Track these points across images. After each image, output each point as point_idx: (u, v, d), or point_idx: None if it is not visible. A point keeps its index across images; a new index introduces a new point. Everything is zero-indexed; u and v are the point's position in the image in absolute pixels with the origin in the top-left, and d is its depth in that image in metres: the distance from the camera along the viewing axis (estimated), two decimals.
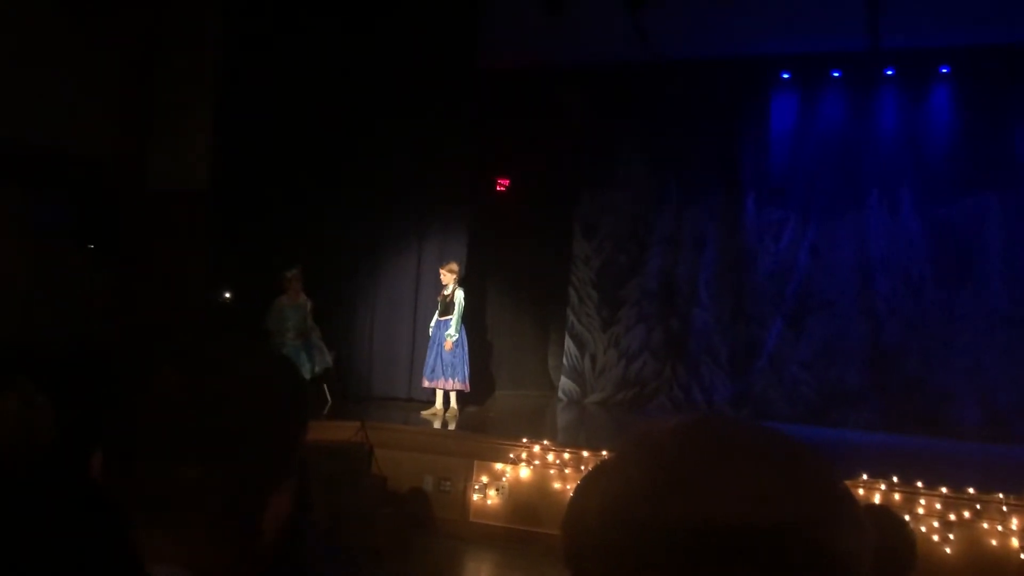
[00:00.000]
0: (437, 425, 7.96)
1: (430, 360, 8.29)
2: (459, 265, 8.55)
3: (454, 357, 8.20)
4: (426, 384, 8.35)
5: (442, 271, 8.44)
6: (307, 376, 8.42)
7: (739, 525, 0.69)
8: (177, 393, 0.93)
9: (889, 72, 9.41)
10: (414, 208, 9.31)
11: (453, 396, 8.29)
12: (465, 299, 8.34)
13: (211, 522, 0.93)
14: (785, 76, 9.82)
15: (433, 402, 8.35)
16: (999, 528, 5.77)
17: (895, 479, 6.18)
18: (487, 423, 8.51)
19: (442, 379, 8.20)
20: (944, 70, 9.24)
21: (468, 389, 8.36)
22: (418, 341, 9.42)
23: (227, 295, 8.71)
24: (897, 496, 6.06)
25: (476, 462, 7.06)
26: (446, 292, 8.34)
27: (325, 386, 8.46)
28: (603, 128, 10.37)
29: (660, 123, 10.09)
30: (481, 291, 10.25)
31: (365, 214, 9.16)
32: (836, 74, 9.62)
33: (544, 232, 10.55)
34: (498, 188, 10.72)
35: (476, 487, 6.96)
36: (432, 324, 8.44)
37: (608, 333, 10.41)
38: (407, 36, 8.90)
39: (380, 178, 9.12)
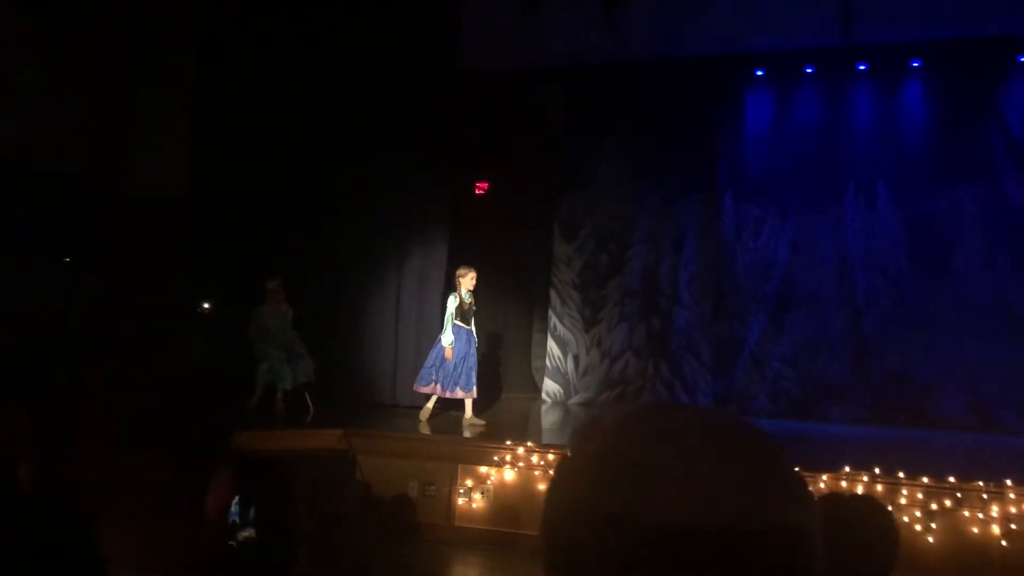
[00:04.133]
0: (425, 431, 7.93)
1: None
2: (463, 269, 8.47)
3: (469, 365, 8.20)
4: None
5: (471, 276, 8.36)
6: (288, 386, 8.40)
7: (690, 512, 0.69)
8: (104, 390, 0.92)
9: (862, 67, 9.47)
10: (394, 213, 9.30)
11: (468, 404, 8.26)
12: (452, 305, 8.29)
13: (153, 513, 0.93)
14: (759, 73, 9.87)
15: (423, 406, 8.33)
16: (980, 515, 5.81)
17: (877, 470, 6.21)
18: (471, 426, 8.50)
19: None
20: (916, 64, 9.31)
21: (469, 396, 8.29)
22: (401, 347, 9.41)
23: (206, 305, 8.66)
24: (880, 487, 6.09)
25: (460, 466, 7.05)
26: (468, 300, 8.30)
27: (307, 395, 8.43)
28: (582, 128, 10.39)
29: (638, 123, 10.12)
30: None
31: (345, 220, 9.14)
32: (809, 70, 9.68)
33: (524, 234, 10.55)
34: (477, 191, 10.71)
35: (461, 491, 6.95)
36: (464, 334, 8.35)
37: (591, 334, 10.42)
38: (384, 39, 8.89)
39: (359, 183, 9.10)
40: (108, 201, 8.40)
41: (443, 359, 8.13)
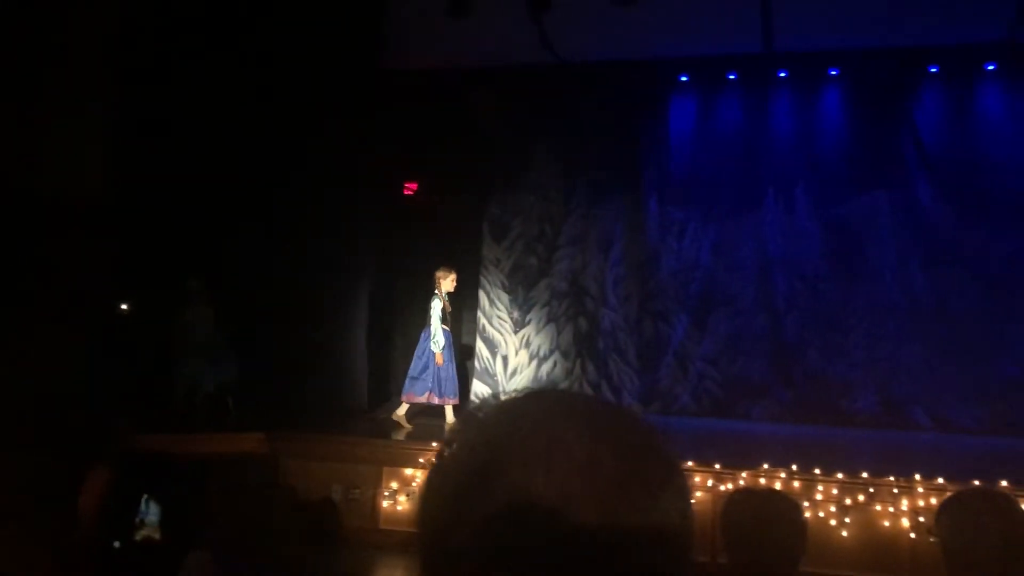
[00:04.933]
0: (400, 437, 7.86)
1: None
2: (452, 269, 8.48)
3: (440, 370, 8.19)
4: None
5: (451, 278, 8.29)
6: (210, 389, 8.22)
7: (564, 503, 0.70)
8: None
9: (782, 74, 9.71)
10: (320, 213, 9.17)
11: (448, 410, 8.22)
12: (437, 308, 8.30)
13: (26, 510, 0.90)
14: (684, 79, 10.04)
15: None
16: (891, 510, 6.01)
17: (794, 467, 6.37)
18: (397, 428, 8.44)
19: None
20: (833, 72, 9.59)
21: (444, 402, 8.24)
22: (329, 349, 9.30)
23: (124, 307, 8.42)
24: (796, 483, 6.25)
25: (385, 468, 7.00)
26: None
27: (229, 398, 8.26)
28: (511, 130, 10.42)
29: (566, 125, 10.20)
30: (389, 296, 10.18)
31: (270, 220, 8.98)
32: (732, 77, 9.88)
33: (453, 235, 10.52)
34: (406, 191, 10.65)
35: (386, 494, 6.90)
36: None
37: (519, 335, 10.46)
38: (308, 38, 8.77)
39: (284, 184, 8.95)
40: (17, 200, 8.10)
41: (432, 365, 8.07)
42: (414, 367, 8.32)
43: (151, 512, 2.17)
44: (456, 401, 8.19)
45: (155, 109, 8.32)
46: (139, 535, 2.08)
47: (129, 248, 8.19)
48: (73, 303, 7.74)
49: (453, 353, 8.33)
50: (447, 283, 8.28)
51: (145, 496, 2.15)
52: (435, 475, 0.79)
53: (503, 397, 0.81)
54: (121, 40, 8.11)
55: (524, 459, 0.72)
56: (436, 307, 8.15)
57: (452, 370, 8.21)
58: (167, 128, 8.36)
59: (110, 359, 7.03)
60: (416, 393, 8.18)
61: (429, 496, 0.78)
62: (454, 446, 0.78)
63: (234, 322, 8.50)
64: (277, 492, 6.88)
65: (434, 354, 8.07)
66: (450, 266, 8.39)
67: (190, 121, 8.46)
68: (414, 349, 8.63)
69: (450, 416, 8.17)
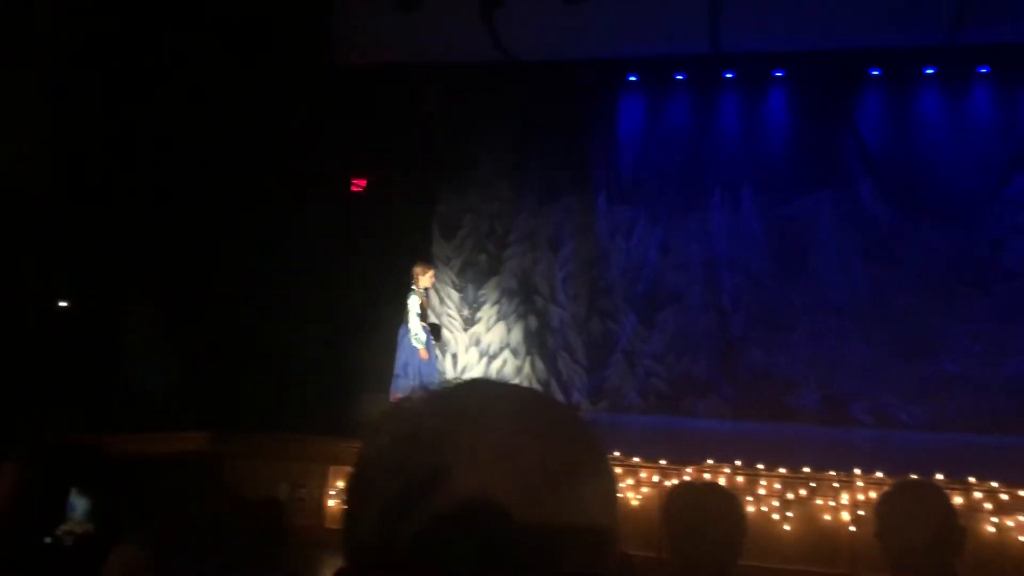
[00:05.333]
0: None
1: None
2: (430, 267, 8.52)
3: (419, 364, 8.19)
4: None
5: (430, 274, 8.23)
6: (153, 387, 8.06)
7: (486, 490, 0.69)
8: None
9: (729, 75, 9.84)
10: (267, 210, 9.06)
11: None
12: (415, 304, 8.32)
13: None
14: (632, 79, 10.11)
15: None
16: (831, 503, 6.13)
17: (738, 463, 6.47)
18: (344, 427, 8.36)
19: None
20: (779, 74, 9.74)
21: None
22: (279, 349, 9.20)
23: (63, 303, 8.22)
24: (740, 478, 6.34)
25: (332, 467, 6.94)
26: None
27: (173, 397, 8.11)
28: (461, 127, 10.39)
29: (516, 123, 10.21)
30: (339, 294, 10.08)
31: (216, 217, 8.85)
32: (680, 77, 9.98)
33: (403, 233, 10.46)
34: (354, 188, 10.56)
35: (332, 492, 6.84)
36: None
37: (469, 333, 10.45)
38: (254, 34, 8.66)
39: (230, 180, 8.82)
40: None
41: (415, 360, 8.04)
42: (397, 364, 8.28)
43: (79, 508, 2.11)
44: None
45: (100, 105, 8.14)
46: (63, 531, 2.02)
47: (71, 245, 8.01)
48: (11, 300, 7.54)
49: (434, 347, 8.31)
50: (425, 279, 8.32)
51: (73, 491, 2.09)
52: (358, 468, 0.78)
53: (426, 393, 0.80)
54: (68, 37, 7.93)
55: (448, 449, 0.71)
56: (413, 303, 8.17)
57: (435, 364, 8.20)
58: (110, 124, 8.18)
59: (50, 357, 6.87)
60: (400, 390, 8.17)
61: (353, 489, 0.77)
62: (378, 438, 0.77)
63: (179, 320, 8.35)
64: (219, 491, 6.80)
65: (416, 349, 8.06)
66: (428, 263, 8.41)
67: (135, 117, 8.29)
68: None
69: None
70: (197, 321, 8.83)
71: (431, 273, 8.33)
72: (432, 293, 10.52)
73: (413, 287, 8.27)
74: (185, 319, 8.54)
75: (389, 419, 0.79)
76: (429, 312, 8.41)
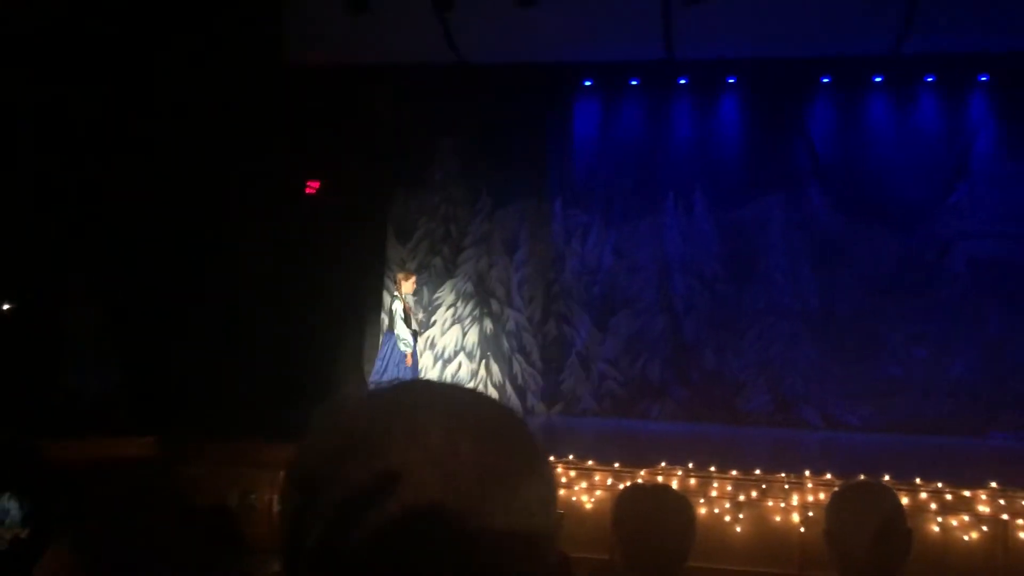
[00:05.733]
0: None
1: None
2: (413, 275, 8.64)
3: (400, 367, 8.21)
4: None
5: (412, 280, 8.27)
6: (95, 391, 7.89)
7: (421, 490, 0.68)
8: None
9: (683, 81, 9.93)
10: (217, 211, 8.92)
11: None
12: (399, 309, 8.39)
13: None
14: (588, 83, 10.16)
15: None
16: (782, 505, 6.20)
17: (691, 465, 6.51)
18: (296, 431, 8.27)
19: None
20: (731, 80, 9.86)
21: None
22: (230, 352, 9.07)
23: (5, 306, 8.01)
24: (693, 481, 6.38)
25: (283, 472, 6.82)
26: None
27: (118, 401, 7.94)
28: (417, 130, 10.34)
29: (471, 125, 10.19)
30: (292, 298, 9.96)
31: (164, 216, 8.68)
32: (635, 82, 10.05)
33: (357, 235, 10.38)
34: (307, 190, 10.44)
35: None
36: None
37: (424, 336, 10.39)
38: (206, 34, 8.52)
39: (179, 180, 8.67)
40: None
41: (400, 367, 8.02)
42: (377, 369, 8.26)
43: (13, 513, 2.05)
44: None
45: (41, 100, 7.94)
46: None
47: (8, 245, 7.80)
48: None
49: (418, 352, 8.34)
50: (407, 285, 8.36)
51: (7, 496, 2.04)
52: (295, 472, 0.76)
53: (363, 393, 0.78)
54: (7, 31, 7.73)
55: (382, 450, 0.70)
56: (398, 309, 8.16)
57: (418, 370, 8.21)
58: (51, 120, 7.99)
59: None
60: None
61: (290, 495, 0.75)
62: (315, 441, 0.76)
63: (124, 322, 8.18)
64: (166, 497, 6.66)
65: (403, 354, 8.05)
66: (410, 270, 8.45)
67: (78, 114, 8.11)
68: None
69: None
70: (143, 323, 8.66)
71: (413, 279, 8.46)
72: (387, 296, 10.45)
73: (396, 294, 8.34)
74: (130, 321, 8.37)
75: (324, 418, 0.77)
76: (412, 318, 8.44)
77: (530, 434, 0.75)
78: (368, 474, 0.69)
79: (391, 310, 8.30)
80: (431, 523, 0.67)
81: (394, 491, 0.68)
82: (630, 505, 2.46)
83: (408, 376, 8.11)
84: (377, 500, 0.68)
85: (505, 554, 0.68)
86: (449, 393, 0.76)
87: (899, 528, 2.28)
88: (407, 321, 8.26)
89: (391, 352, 8.20)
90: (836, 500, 2.41)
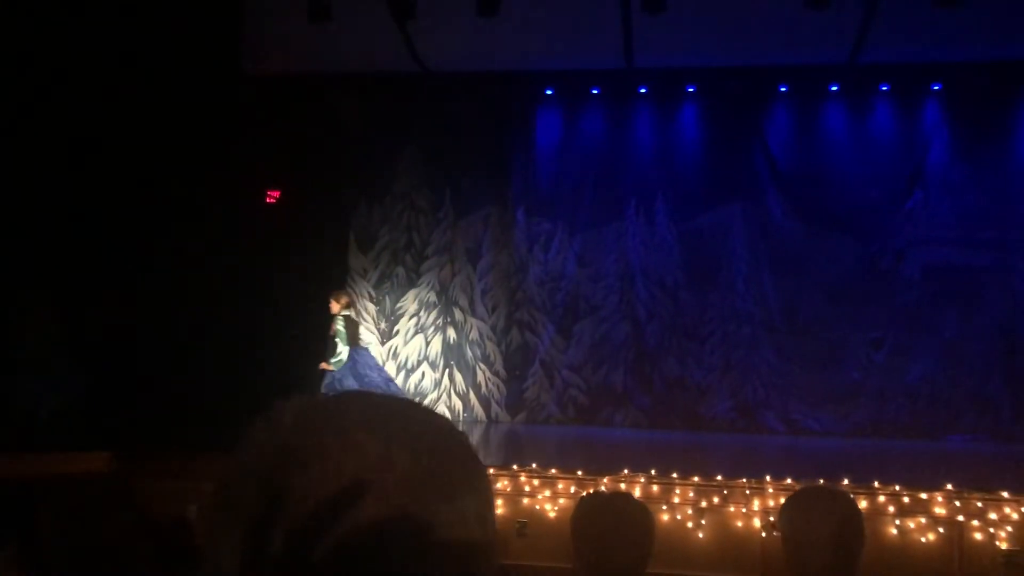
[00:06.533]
0: None
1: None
2: (343, 295, 8.77)
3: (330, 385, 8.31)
4: None
5: (344, 301, 8.60)
6: (52, 405, 7.74)
7: (353, 506, 0.67)
8: None
9: (643, 90, 10.00)
10: (177, 221, 8.81)
11: None
12: (347, 327, 8.49)
13: None
14: (549, 92, 10.19)
15: None
16: (743, 510, 6.24)
17: (654, 472, 6.54)
18: None
19: None
20: (691, 89, 9.95)
21: None
22: (193, 365, 8.97)
23: None
24: (655, 487, 6.40)
25: (213, 485, 6.74)
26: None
27: (74, 415, 7.79)
28: (378, 139, 10.31)
29: (434, 135, 10.19)
30: (251, 308, 9.86)
31: (123, 227, 8.56)
32: (595, 91, 10.11)
33: (318, 245, 10.31)
34: (268, 199, 10.35)
35: None
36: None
37: (386, 346, 10.36)
38: (166, 42, 8.42)
39: (139, 190, 8.55)
40: None
41: (333, 380, 8.18)
42: (323, 383, 8.43)
43: None
44: None
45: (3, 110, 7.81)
46: None
47: None
48: None
49: (356, 369, 8.37)
50: (336, 306, 8.49)
51: None
52: (220, 483, 0.75)
53: (297, 402, 0.77)
54: None
55: (314, 461, 0.69)
56: (339, 325, 8.29)
57: (348, 384, 8.23)
58: (14, 128, 7.84)
59: None
60: None
61: (213, 507, 0.74)
62: (243, 452, 0.74)
63: (82, 334, 8.03)
64: (120, 510, 6.55)
65: (345, 372, 8.23)
66: (340, 292, 8.63)
67: (40, 124, 7.97)
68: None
69: None
70: (101, 335, 8.51)
71: (344, 299, 8.61)
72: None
73: (335, 314, 8.49)
74: (88, 333, 8.23)
75: (256, 433, 0.76)
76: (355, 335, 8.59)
77: (468, 446, 0.75)
78: (300, 486, 0.68)
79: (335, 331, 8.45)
80: (367, 535, 0.66)
81: (327, 503, 0.67)
82: (589, 513, 2.46)
83: (335, 389, 8.16)
84: (306, 516, 0.67)
85: (443, 566, 0.68)
86: (385, 404, 0.76)
87: (853, 529, 2.31)
88: (351, 339, 8.40)
89: (337, 372, 8.35)
90: (791, 504, 2.43)
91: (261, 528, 0.67)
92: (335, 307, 8.59)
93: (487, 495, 0.74)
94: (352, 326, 8.57)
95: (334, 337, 8.49)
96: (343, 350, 8.42)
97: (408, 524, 0.67)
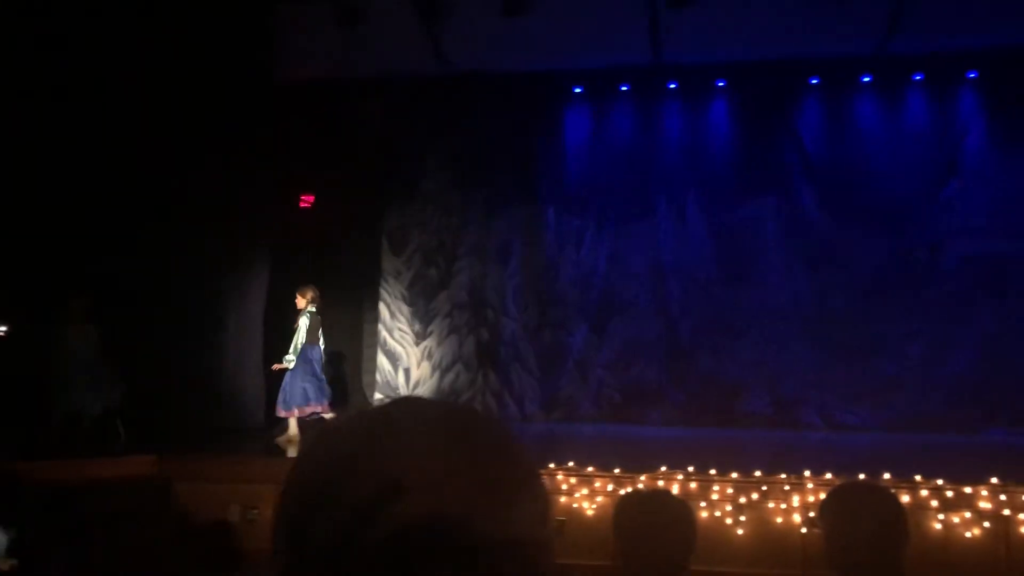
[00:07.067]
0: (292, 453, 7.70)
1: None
2: (309, 290, 8.46)
3: (285, 382, 8.17)
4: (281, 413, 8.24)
5: (309, 296, 8.40)
6: (95, 412, 7.87)
7: (414, 510, 0.69)
8: None
9: (672, 86, 9.97)
10: (215, 230, 8.91)
11: (291, 422, 8.19)
12: (309, 324, 8.30)
13: None
14: (577, 90, 10.19)
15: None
16: (783, 507, 6.20)
17: (691, 469, 6.51)
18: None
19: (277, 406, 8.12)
20: (721, 84, 9.89)
21: (290, 415, 8.16)
22: (228, 368, 9.08)
23: (2, 328, 8.00)
24: (693, 484, 6.38)
25: (281, 487, 6.82)
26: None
27: (118, 420, 7.92)
28: (408, 141, 10.38)
29: (463, 136, 10.22)
30: (287, 313, 9.96)
31: (161, 237, 8.68)
32: (624, 88, 10.08)
33: (352, 248, 10.40)
34: (302, 204, 10.46)
35: None
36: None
37: (420, 347, 10.41)
38: (199, 51, 8.53)
39: (176, 199, 8.67)
40: None
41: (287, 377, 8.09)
42: (312, 378, 8.38)
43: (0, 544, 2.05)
44: (291, 414, 8.14)
45: (39, 120, 7.95)
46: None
47: (7, 265, 7.81)
48: None
49: (308, 365, 8.29)
50: (302, 302, 8.38)
51: None
52: (291, 492, 0.77)
53: (356, 411, 0.80)
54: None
55: (377, 472, 0.71)
56: (302, 325, 8.26)
57: (298, 382, 8.19)
58: (50, 140, 7.99)
59: None
60: (326, 401, 8.26)
61: (280, 512, 0.76)
62: (306, 460, 0.77)
63: (122, 342, 8.16)
64: (166, 515, 6.65)
65: (299, 369, 8.13)
66: (306, 287, 8.48)
67: (76, 134, 8.12)
68: (325, 360, 8.70)
69: (292, 428, 8.20)
70: (141, 343, 8.64)
71: (310, 295, 8.42)
72: (383, 307, 10.48)
73: (300, 310, 8.38)
74: (128, 341, 8.35)
75: (319, 440, 0.78)
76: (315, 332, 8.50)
77: (523, 448, 0.77)
78: (363, 490, 0.69)
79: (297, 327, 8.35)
80: (429, 535, 0.68)
81: (391, 505, 0.68)
82: (630, 511, 2.47)
83: (283, 387, 8.14)
84: (371, 515, 0.69)
85: (503, 565, 0.69)
86: (443, 411, 0.78)
87: (896, 526, 2.30)
88: (311, 336, 8.32)
89: (298, 371, 8.27)
90: (833, 499, 2.42)
91: (339, 538, 0.69)
92: (301, 302, 8.40)
93: (543, 495, 0.76)
94: (315, 323, 8.46)
95: (294, 332, 8.31)
96: (296, 348, 8.23)
97: (469, 523, 0.69)
